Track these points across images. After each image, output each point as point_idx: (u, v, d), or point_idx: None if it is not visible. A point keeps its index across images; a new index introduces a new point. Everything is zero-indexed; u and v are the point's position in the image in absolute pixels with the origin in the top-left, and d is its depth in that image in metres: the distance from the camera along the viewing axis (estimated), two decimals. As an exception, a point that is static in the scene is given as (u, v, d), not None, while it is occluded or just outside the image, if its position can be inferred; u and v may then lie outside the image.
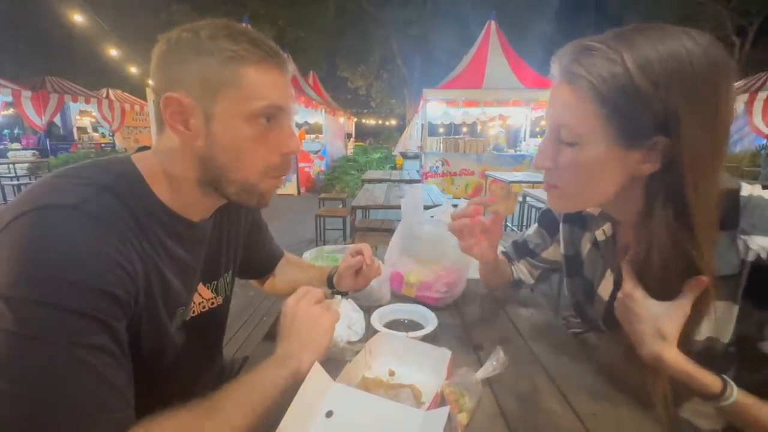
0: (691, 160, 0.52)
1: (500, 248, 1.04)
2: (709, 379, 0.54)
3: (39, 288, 0.41)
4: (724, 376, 0.55)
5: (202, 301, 0.71)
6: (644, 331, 0.57)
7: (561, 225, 0.87)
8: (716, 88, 0.50)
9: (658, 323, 0.56)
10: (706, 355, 0.59)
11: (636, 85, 0.50)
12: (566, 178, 0.61)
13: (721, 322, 0.58)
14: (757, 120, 6.68)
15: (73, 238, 0.44)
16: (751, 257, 0.54)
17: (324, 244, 1.53)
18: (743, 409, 0.54)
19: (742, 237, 0.54)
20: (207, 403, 0.49)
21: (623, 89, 0.51)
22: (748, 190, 0.58)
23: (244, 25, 0.58)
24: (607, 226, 0.73)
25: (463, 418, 0.55)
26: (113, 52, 13.30)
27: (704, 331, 0.59)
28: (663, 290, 0.58)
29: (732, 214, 0.55)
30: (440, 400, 0.57)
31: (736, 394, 0.53)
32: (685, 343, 0.57)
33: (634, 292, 0.59)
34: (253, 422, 0.49)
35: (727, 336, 0.59)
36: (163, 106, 0.53)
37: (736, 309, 0.57)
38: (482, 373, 0.62)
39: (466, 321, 0.90)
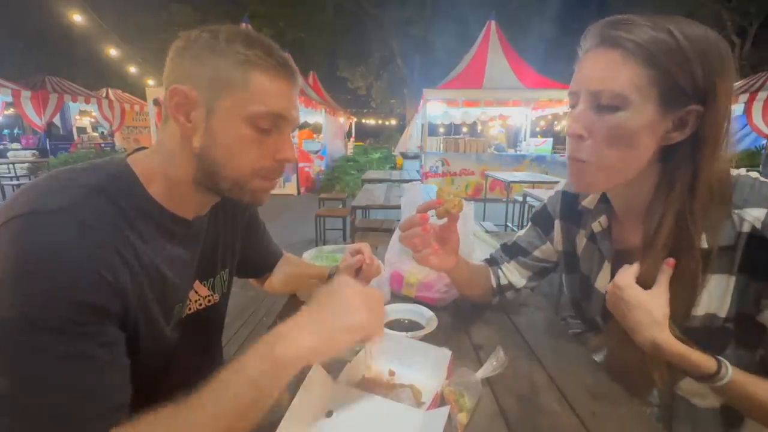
0: (716, 130, 0.56)
1: (486, 254, 1.03)
2: (704, 360, 0.56)
3: (18, 299, 0.42)
4: (719, 357, 0.56)
5: (199, 299, 0.71)
6: (638, 318, 0.59)
7: (557, 221, 0.87)
8: (733, 70, 0.55)
9: (650, 309, 0.58)
10: (705, 332, 0.60)
11: (683, 50, 0.53)
12: (602, 148, 0.59)
13: (718, 296, 0.60)
14: (757, 120, 6.66)
15: (53, 247, 0.44)
16: (746, 228, 0.56)
17: (324, 244, 1.53)
18: (739, 387, 0.55)
19: (736, 211, 0.57)
20: (191, 400, 0.47)
21: (671, 51, 0.53)
22: (735, 171, 0.62)
23: (244, 24, 0.58)
24: (603, 219, 0.74)
25: (462, 417, 0.55)
26: (113, 51, 13.31)
27: (702, 306, 0.60)
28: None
29: (725, 191, 0.59)
30: (440, 400, 0.57)
31: (731, 373, 0.55)
32: (683, 319, 0.59)
33: (623, 282, 0.61)
34: (236, 419, 0.46)
35: (723, 310, 0.60)
36: (168, 96, 0.55)
37: (732, 281, 0.59)
38: (482, 372, 0.62)
39: (466, 321, 0.90)
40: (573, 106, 0.62)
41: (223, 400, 0.46)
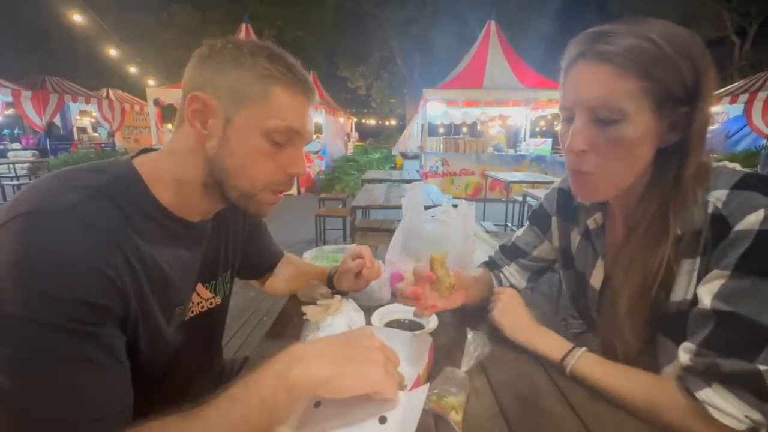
0: (704, 126, 0.57)
1: (486, 255, 1.04)
2: (559, 348, 0.69)
3: (20, 298, 0.42)
4: (575, 347, 0.68)
5: (201, 301, 0.71)
6: (514, 326, 0.78)
7: (553, 218, 0.88)
8: (711, 61, 0.56)
9: (519, 323, 0.77)
10: (680, 318, 0.60)
11: (669, 56, 0.54)
12: (606, 159, 0.60)
13: (687, 280, 0.60)
14: (757, 120, 6.66)
15: (57, 247, 0.44)
16: (710, 210, 0.57)
17: (324, 244, 1.53)
18: (584, 375, 0.64)
19: (707, 197, 0.58)
20: (199, 411, 0.46)
21: (660, 61, 0.54)
22: (717, 161, 0.63)
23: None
24: (598, 216, 0.75)
25: (455, 415, 0.55)
26: (113, 52, 13.31)
27: (678, 292, 0.60)
28: (642, 254, 0.62)
29: (705, 181, 0.60)
30: (421, 382, 0.58)
31: (573, 363, 0.66)
32: (663, 305, 0.61)
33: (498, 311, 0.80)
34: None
35: (690, 293, 0.60)
36: (188, 103, 0.55)
37: (696, 264, 0.59)
38: (466, 364, 0.63)
39: (466, 321, 0.90)
40: (567, 120, 0.63)
41: (231, 416, 0.45)
